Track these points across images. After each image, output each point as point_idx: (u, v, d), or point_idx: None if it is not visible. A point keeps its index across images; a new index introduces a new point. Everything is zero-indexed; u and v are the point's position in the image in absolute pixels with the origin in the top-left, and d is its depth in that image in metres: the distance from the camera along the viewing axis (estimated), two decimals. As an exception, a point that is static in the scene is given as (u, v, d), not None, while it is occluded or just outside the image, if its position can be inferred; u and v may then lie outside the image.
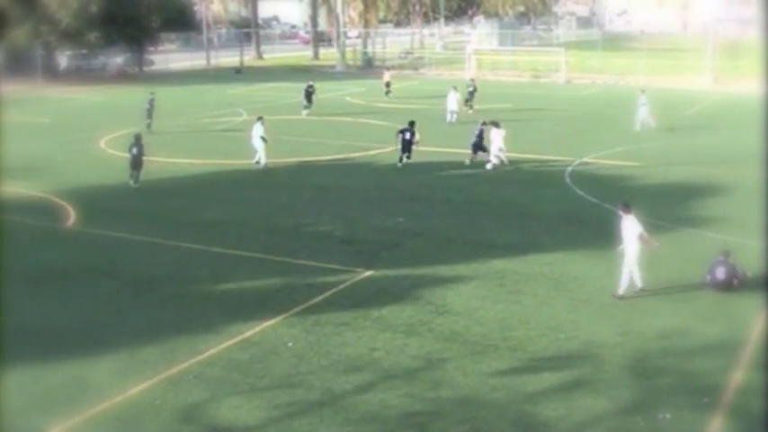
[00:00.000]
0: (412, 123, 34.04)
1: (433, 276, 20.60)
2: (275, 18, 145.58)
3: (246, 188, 30.75)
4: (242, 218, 26.43)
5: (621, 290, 19.05)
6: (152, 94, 44.26)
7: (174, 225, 25.51)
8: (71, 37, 70.49)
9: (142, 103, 44.19)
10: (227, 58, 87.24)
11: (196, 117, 48.05)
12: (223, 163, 34.37)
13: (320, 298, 19.15)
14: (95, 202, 28.34)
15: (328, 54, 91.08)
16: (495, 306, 18.71)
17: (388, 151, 36.39)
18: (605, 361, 15.91)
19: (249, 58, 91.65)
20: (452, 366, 15.68)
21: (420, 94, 59.49)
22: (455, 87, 47.00)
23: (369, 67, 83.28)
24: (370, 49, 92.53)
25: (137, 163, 30.50)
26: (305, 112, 48.17)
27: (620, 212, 19.25)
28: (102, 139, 40.17)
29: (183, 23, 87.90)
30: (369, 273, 20.84)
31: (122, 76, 75.42)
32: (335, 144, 38.76)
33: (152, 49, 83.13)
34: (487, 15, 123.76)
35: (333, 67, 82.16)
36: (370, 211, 27.25)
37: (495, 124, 33.81)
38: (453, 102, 45.54)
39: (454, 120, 44.72)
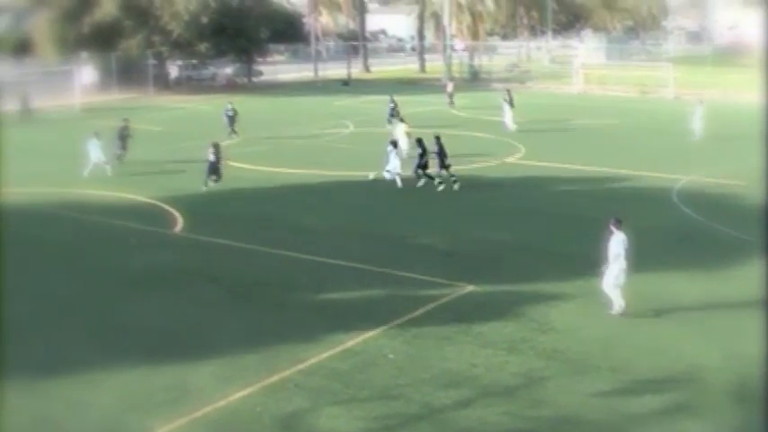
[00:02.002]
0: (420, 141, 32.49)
1: (536, 292, 20.30)
2: (383, 31, 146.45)
3: (349, 198, 30.90)
4: (343, 227, 26.55)
5: (616, 307, 18.70)
6: (230, 103, 45.36)
7: (277, 233, 25.77)
8: (182, 47, 72.11)
9: (222, 112, 45.13)
10: (335, 71, 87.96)
11: (303, 128, 48.52)
12: (326, 173, 34.60)
13: (421, 311, 19.05)
14: (202, 209, 28.85)
15: (435, 67, 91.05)
16: (597, 325, 18.34)
17: (493, 164, 36.19)
18: (708, 384, 15.42)
19: (356, 70, 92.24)
20: (553, 385, 15.40)
21: (524, 107, 59.01)
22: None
23: (475, 79, 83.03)
24: (476, 61, 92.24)
25: (213, 169, 31.81)
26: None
27: (612, 228, 18.82)
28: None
29: (291, 35, 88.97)
30: (471, 287, 20.66)
31: (231, 87, 76.69)
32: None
33: (261, 60, 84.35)
34: (595, 29, 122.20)
35: (439, 79, 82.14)
36: (472, 223, 27.07)
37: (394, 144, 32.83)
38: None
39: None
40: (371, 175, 33.19)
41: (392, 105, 48.16)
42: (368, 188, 32.25)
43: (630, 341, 17.45)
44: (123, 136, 37.54)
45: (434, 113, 54.05)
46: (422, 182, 32.08)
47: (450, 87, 60.87)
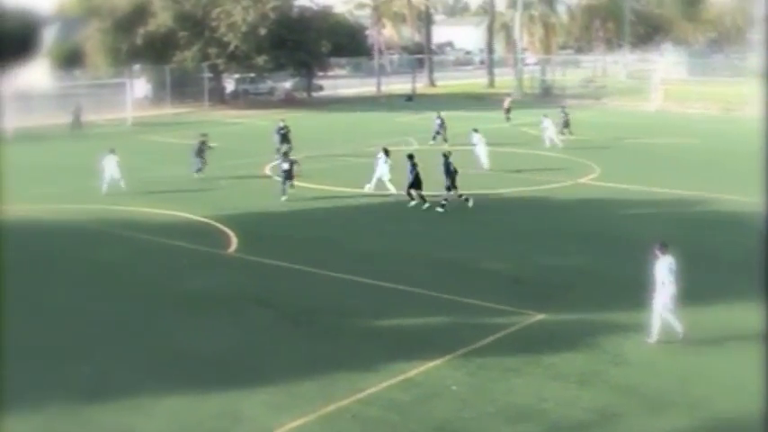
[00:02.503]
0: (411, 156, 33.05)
1: (609, 322, 20.07)
2: (449, 44, 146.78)
3: (409, 220, 30.91)
4: (404, 250, 26.56)
5: (653, 336, 18.65)
6: (282, 120, 46.12)
7: (334, 255, 25.88)
8: (239, 60, 72.57)
9: (274, 130, 45.56)
10: (399, 85, 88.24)
11: (364, 145, 48.68)
12: (387, 193, 34.66)
13: (487, 340, 18.94)
14: (257, 229, 29.12)
15: (504, 82, 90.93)
16: (674, 358, 18.07)
17: (565, 185, 35.98)
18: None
19: (421, 85, 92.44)
20: (627, 423, 15.19)
21: (599, 125, 58.64)
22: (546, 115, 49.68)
23: (547, 95, 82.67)
24: (548, 76, 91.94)
25: (289, 176, 33.73)
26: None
27: (657, 252, 18.76)
28: (267, 164, 41.26)
29: (353, 48, 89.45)
30: (540, 316, 20.50)
31: (290, 102, 77.36)
32: (506, 177, 38.54)
33: (321, 74, 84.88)
34: (676, 42, 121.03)
35: (509, 95, 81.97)
36: (541, 247, 26.91)
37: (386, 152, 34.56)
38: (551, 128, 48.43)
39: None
40: (367, 188, 34.67)
41: (439, 122, 48.59)
42: (428, 209, 32.25)
43: (709, 376, 17.17)
44: (201, 150, 38.78)
45: (500, 131, 53.95)
46: (413, 202, 32.30)
47: (506, 103, 61.10)
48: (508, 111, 60.02)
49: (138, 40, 70.92)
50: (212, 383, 16.57)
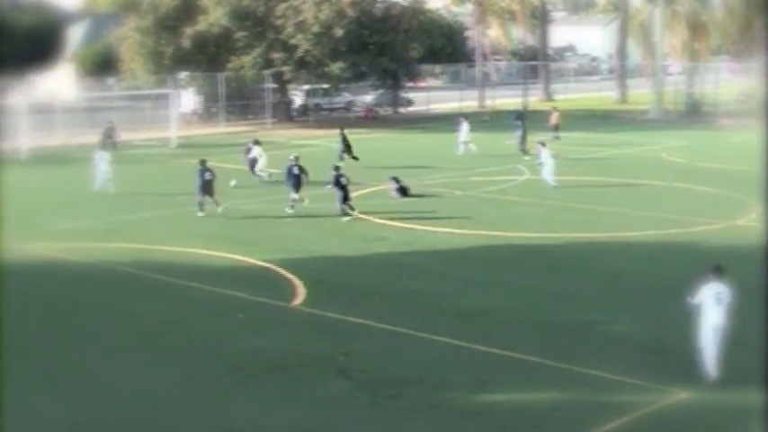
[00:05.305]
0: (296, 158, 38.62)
1: (773, 404, 19.86)
2: (570, 48, 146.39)
3: (519, 269, 30.91)
4: (512, 307, 26.55)
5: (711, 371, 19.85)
6: (342, 129, 51.15)
7: (426, 312, 25.96)
8: (309, 68, 72.42)
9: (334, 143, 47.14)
10: (506, 99, 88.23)
11: (463, 174, 48.83)
12: (491, 235, 34.73)
13: (614, 423, 18.81)
14: (329, 277, 29.39)
15: (640, 96, 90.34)
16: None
17: (717, 228, 35.67)
18: None
19: (535, 99, 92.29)
20: None
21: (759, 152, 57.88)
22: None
23: (695, 113, 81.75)
24: (697, 89, 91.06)
25: (347, 196, 37.58)
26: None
27: (709, 275, 20.45)
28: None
29: (450, 53, 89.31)
30: (683, 394, 20.33)
31: (371, 119, 77.42)
32: (642, 216, 38.31)
33: (411, 85, 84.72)
34: None
35: (645, 112, 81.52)
36: (684, 308, 26.66)
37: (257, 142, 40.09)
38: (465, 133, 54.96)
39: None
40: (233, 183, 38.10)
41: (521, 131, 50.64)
42: (544, 255, 32.22)
43: None
44: (295, 174, 39.54)
45: (635, 158, 53.67)
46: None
47: (554, 118, 62.05)
48: (556, 128, 61.20)
49: (186, 43, 71.49)
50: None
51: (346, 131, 53.04)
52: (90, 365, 22.01)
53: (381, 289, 28.41)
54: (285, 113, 76.47)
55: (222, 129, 69.94)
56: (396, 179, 42.75)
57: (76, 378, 21.19)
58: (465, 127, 56.80)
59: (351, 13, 71.05)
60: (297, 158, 39.73)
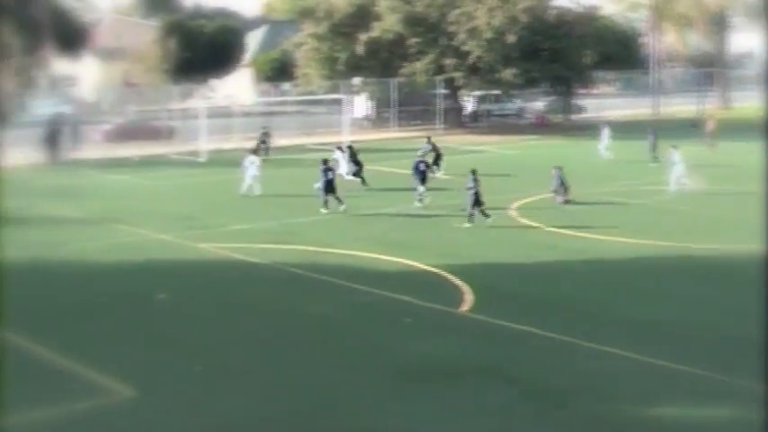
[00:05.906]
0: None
1: None
2: (750, 54, 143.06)
3: (690, 280, 30.26)
4: (682, 319, 25.92)
5: None
6: (428, 138, 51.59)
7: (597, 321, 25.61)
8: (481, 74, 72.61)
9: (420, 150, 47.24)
10: (682, 107, 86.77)
11: (633, 183, 48.18)
12: (660, 245, 34.08)
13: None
14: (497, 284, 29.24)
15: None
16: None
17: None
18: None
19: (712, 107, 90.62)
20: None
21: None
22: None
23: None
24: None
25: (478, 200, 37.23)
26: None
27: None
28: (513, 204, 41.46)
29: (624, 60, 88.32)
30: None
31: (542, 126, 77.07)
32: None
33: (583, 92, 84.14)
34: None
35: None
36: None
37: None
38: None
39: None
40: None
41: (652, 137, 50.21)
42: (717, 267, 31.51)
43: None
44: (421, 170, 40.97)
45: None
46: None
47: (711, 125, 60.81)
48: (712, 135, 60.21)
49: (360, 49, 72.21)
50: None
51: (521, 138, 52.93)
52: (258, 363, 22.25)
53: (549, 297, 28.11)
54: (456, 119, 76.71)
55: (393, 134, 70.38)
56: (557, 190, 42.58)
57: (247, 375, 21.43)
58: (606, 133, 57.73)
59: (523, 19, 71.16)
60: (326, 162, 41.38)
